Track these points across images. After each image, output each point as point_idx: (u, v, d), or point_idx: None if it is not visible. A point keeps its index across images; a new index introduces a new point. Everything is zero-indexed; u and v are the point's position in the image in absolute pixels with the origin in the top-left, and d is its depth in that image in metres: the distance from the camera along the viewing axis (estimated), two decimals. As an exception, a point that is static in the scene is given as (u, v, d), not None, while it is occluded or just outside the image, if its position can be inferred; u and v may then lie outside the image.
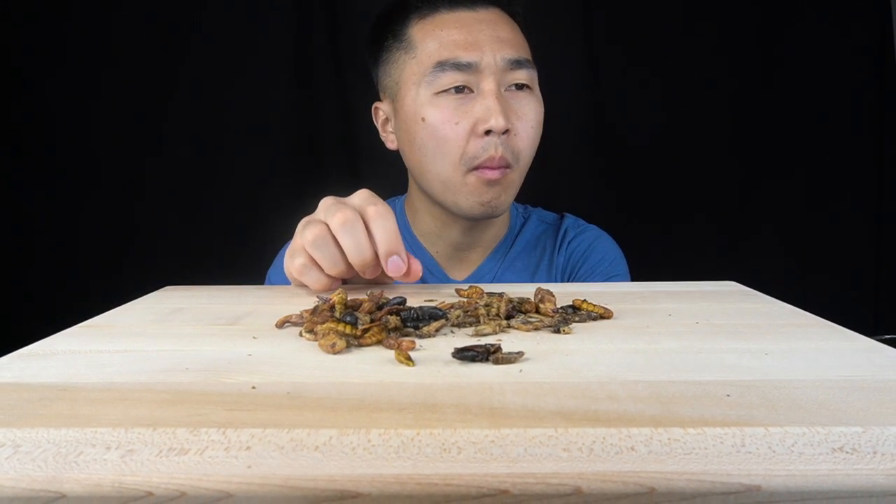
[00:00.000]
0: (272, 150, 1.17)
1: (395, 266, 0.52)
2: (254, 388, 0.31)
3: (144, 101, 1.13)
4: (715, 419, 0.27)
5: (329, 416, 0.27)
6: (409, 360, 0.35)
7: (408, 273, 0.54)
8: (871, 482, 0.23)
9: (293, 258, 0.56)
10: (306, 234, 0.53)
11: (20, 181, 1.13)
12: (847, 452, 0.24)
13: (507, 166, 0.73)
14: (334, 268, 0.53)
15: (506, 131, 0.71)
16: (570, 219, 0.92)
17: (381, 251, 0.52)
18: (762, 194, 1.19)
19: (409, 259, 0.54)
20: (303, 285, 0.57)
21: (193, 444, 0.25)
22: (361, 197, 0.55)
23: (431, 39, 0.74)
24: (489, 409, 0.28)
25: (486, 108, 0.71)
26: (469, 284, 0.55)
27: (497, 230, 0.86)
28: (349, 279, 0.56)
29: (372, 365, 0.35)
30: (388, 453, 0.24)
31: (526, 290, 0.54)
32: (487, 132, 0.71)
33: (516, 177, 0.76)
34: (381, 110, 0.83)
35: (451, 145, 0.73)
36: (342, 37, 1.17)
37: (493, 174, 0.73)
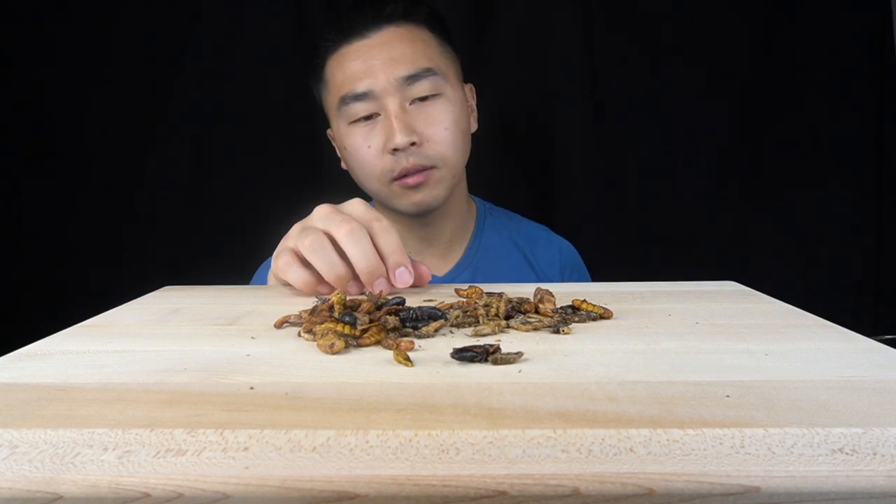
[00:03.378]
0: (271, 151, 1.17)
1: (402, 277, 0.54)
2: (252, 388, 0.31)
3: (142, 103, 1.13)
4: (714, 420, 0.27)
5: (327, 417, 0.27)
6: (407, 361, 0.35)
7: (419, 279, 0.57)
8: (871, 483, 0.23)
9: (279, 257, 0.57)
10: (304, 240, 0.54)
11: (17, 180, 1.13)
12: (847, 454, 0.24)
13: (429, 168, 0.80)
14: (331, 272, 0.54)
15: (412, 144, 0.78)
16: (530, 223, 0.99)
17: (390, 262, 0.54)
18: (762, 194, 1.19)
19: (416, 266, 0.56)
20: (287, 285, 0.58)
21: (191, 444, 0.25)
22: (360, 209, 0.56)
23: (337, 73, 0.81)
24: (488, 410, 0.28)
25: (388, 129, 0.78)
26: (469, 284, 0.55)
27: (456, 222, 0.90)
28: (345, 290, 0.56)
29: (370, 365, 0.35)
30: (387, 454, 0.24)
31: (525, 290, 0.54)
32: (395, 150, 0.78)
33: (445, 173, 0.81)
34: (332, 136, 0.91)
35: (369, 165, 0.81)
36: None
37: (412, 180, 0.79)
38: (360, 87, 0.78)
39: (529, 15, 1.15)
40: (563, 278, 0.93)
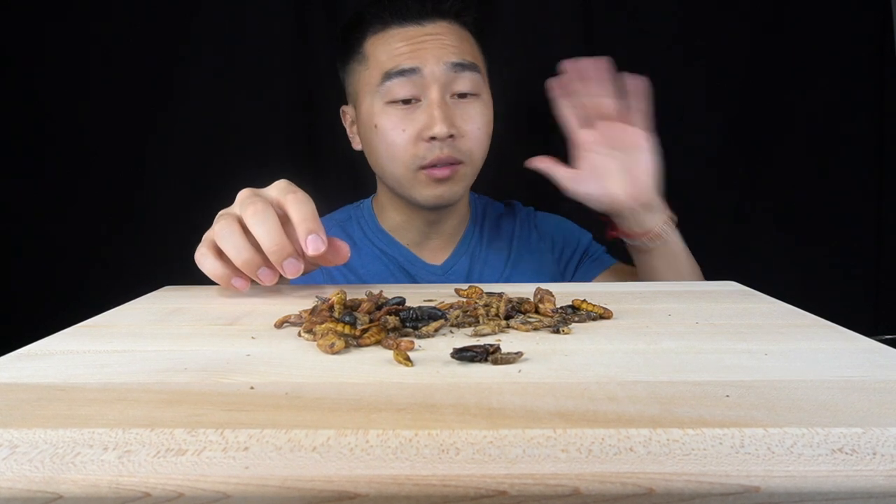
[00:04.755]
0: (271, 150, 1.17)
1: (313, 243, 0.51)
2: (252, 388, 0.31)
3: (142, 103, 1.13)
4: (714, 420, 0.27)
5: (327, 417, 0.27)
6: (407, 361, 0.35)
7: (335, 253, 0.55)
8: (871, 483, 0.23)
9: (199, 248, 0.57)
10: (215, 226, 0.54)
11: (17, 180, 1.13)
12: (846, 453, 0.24)
13: (457, 163, 0.80)
14: (238, 257, 0.52)
15: (450, 136, 0.78)
16: (520, 205, 1.01)
17: (300, 230, 0.52)
18: (762, 194, 1.19)
19: (333, 240, 0.54)
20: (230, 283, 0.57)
21: (191, 444, 0.25)
22: (279, 187, 0.55)
23: (381, 52, 0.81)
24: (488, 410, 0.28)
25: (430, 116, 0.78)
26: (469, 285, 0.55)
27: (459, 218, 0.92)
28: (257, 277, 0.54)
29: (370, 365, 0.35)
30: (387, 454, 0.24)
31: (525, 290, 0.54)
32: (432, 138, 0.78)
33: (468, 171, 0.83)
34: (347, 113, 0.91)
35: (399, 149, 0.80)
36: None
37: (440, 173, 0.80)
38: (409, 63, 0.79)
39: (529, 14, 1.15)
40: (559, 252, 0.95)
